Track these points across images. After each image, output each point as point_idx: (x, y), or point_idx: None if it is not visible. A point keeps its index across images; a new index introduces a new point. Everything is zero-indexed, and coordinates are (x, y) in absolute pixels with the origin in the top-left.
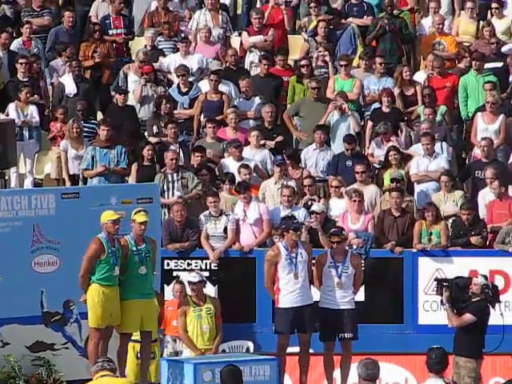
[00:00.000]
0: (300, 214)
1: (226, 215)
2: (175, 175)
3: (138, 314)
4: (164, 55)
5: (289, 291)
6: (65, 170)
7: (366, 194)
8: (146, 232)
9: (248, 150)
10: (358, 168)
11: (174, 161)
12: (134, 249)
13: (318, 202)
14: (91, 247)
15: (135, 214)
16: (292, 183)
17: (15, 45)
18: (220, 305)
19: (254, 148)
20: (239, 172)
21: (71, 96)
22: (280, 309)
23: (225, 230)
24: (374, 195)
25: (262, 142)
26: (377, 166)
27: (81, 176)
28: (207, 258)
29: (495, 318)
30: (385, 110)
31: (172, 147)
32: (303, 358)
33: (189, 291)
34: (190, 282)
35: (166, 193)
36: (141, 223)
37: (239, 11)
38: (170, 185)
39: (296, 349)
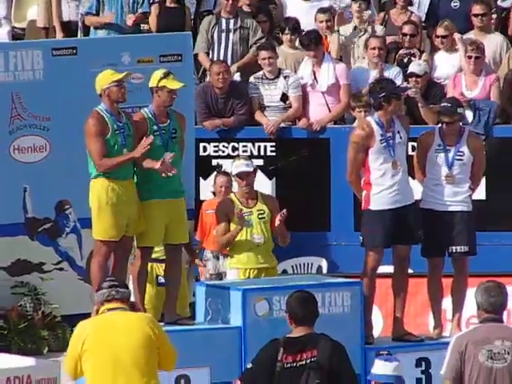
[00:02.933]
0: (390, 75)
1: (285, 77)
2: (232, 22)
3: (162, 220)
4: None
5: (385, 186)
6: (56, 14)
7: (488, 47)
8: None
9: None
10: (477, 9)
11: (230, 1)
12: (156, 128)
13: (418, 58)
14: (89, 125)
15: (163, 77)
16: (380, 29)
17: None
18: (278, 205)
19: None
20: (315, 18)
21: None
22: (373, 212)
23: (282, 97)
24: (499, 49)
25: None
26: (503, 5)
27: (80, 24)
28: (262, 140)
29: None
30: None
31: None
32: (399, 280)
33: (234, 187)
34: (236, 174)
35: (215, 46)
36: (172, 91)
37: None
38: (223, 35)
39: (387, 268)
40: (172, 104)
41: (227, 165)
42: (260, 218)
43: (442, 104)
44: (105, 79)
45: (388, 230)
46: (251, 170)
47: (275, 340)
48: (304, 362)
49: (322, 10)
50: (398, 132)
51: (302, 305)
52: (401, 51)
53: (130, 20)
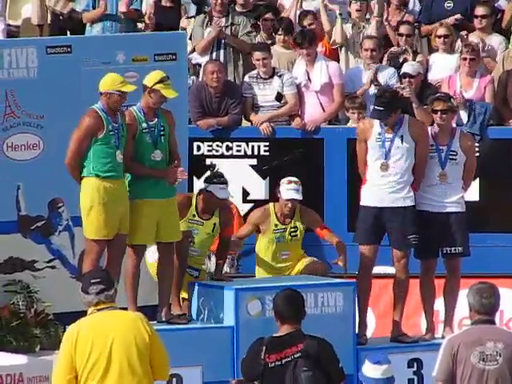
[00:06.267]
0: (385, 76)
1: (279, 76)
2: (223, 20)
3: (154, 217)
4: None
5: (373, 184)
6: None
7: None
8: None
9: None
10: (480, 11)
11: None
12: (145, 125)
13: (413, 59)
14: (84, 121)
15: (159, 82)
16: (374, 29)
17: None
18: (318, 217)
19: None
20: (300, 18)
21: None
22: (362, 208)
23: (277, 97)
24: (501, 50)
25: None
26: (501, 6)
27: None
28: (255, 140)
29: None
30: None
31: None
32: (399, 282)
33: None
34: (285, 199)
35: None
36: (165, 97)
37: None
38: None
39: (379, 269)
40: (161, 105)
41: (220, 164)
42: (292, 236)
43: (437, 95)
44: (112, 84)
45: (370, 227)
46: (300, 198)
47: (260, 339)
48: (290, 359)
49: (305, 12)
50: (402, 137)
51: (288, 303)
52: (392, 49)
53: (122, 5)
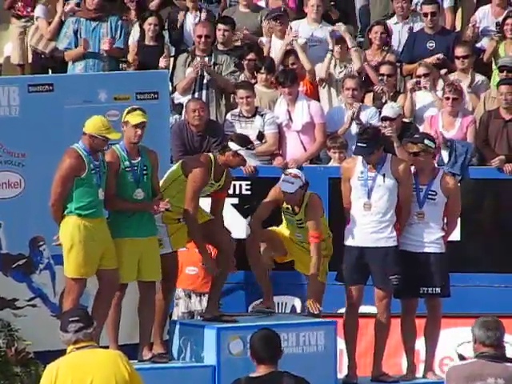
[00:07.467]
0: (367, 115)
1: (261, 115)
2: (206, 60)
3: (135, 256)
4: None
5: (355, 224)
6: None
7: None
8: (143, 140)
9: (305, 25)
10: (460, 51)
11: (203, 38)
12: (128, 164)
13: (393, 99)
14: (65, 163)
15: (128, 113)
16: (357, 60)
17: None
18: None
19: (312, 22)
20: (283, 58)
21: None
22: (346, 248)
23: (259, 136)
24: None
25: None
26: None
27: None
28: (237, 179)
29: None
30: None
31: (190, 16)
32: (380, 322)
33: None
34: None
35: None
36: (136, 126)
37: None
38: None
39: (368, 308)
40: (138, 141)
41: (202, 202)
42: (299, 227)
43: (413, 137)
44: (98, 128)
45: (354, 267)
46: (291, 191)
47: (237, 380)
48: None
49: (288, 52)
50: (384, 175)
51: (264, 343)
52: (376, 87)
53: (105, 44)
